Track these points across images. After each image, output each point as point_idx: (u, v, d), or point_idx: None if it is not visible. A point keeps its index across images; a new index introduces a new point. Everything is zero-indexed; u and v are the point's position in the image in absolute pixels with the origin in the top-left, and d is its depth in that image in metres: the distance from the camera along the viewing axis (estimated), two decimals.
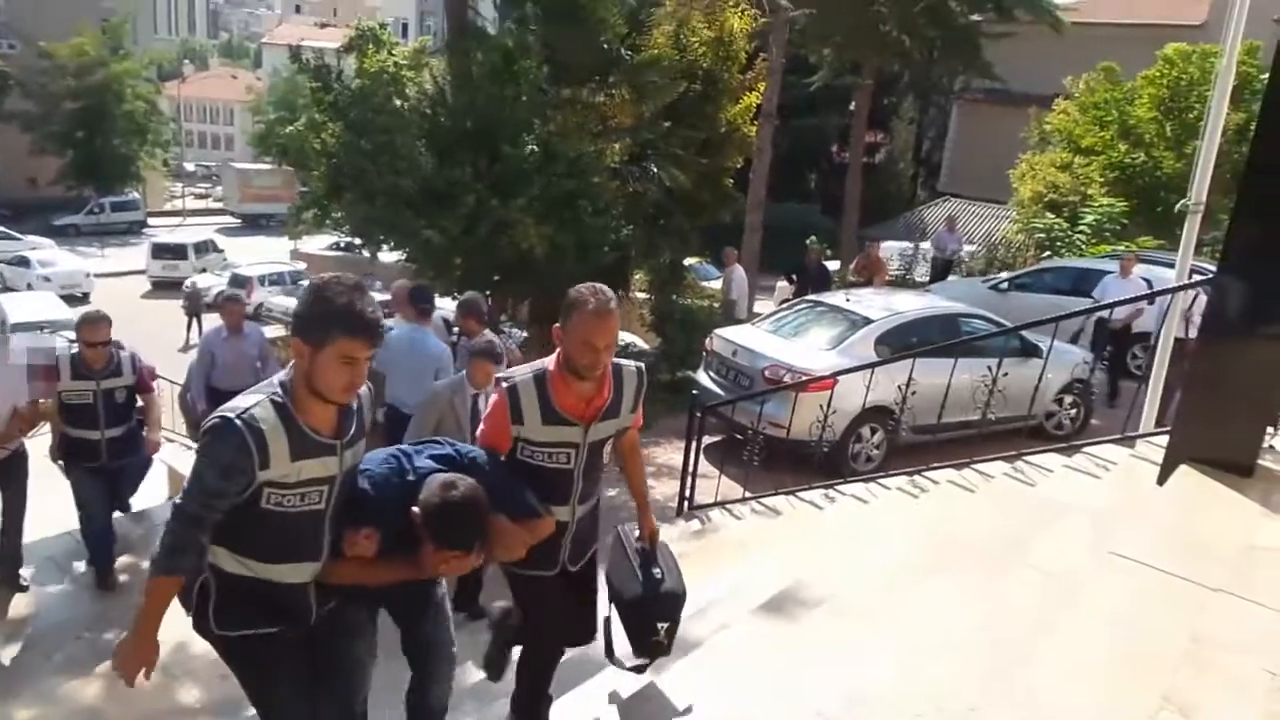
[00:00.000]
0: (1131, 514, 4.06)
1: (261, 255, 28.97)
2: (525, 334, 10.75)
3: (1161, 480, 4.04)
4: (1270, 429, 4.27)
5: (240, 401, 2.29)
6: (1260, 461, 4.03)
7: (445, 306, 8.53)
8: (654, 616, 3.18)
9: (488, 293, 9.69)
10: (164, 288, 27.62)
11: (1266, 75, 3.80)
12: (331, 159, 10.19)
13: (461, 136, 9.53)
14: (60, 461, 5.53)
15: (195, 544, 2.29)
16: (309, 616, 2.55)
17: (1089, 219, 15.77)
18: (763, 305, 15.58)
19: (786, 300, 12.17)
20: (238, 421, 2.23)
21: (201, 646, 5.19)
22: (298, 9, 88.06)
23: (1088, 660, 2.91)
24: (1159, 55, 17.90)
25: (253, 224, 41.89)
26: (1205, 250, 10.71)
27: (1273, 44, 3.68)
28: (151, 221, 40.15)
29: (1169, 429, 4.52)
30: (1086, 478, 4.99)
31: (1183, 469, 3.97)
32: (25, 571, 5.81)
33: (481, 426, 2.98)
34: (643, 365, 3.09)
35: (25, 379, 5.15)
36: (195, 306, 22.07)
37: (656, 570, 3.24)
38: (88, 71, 36.50)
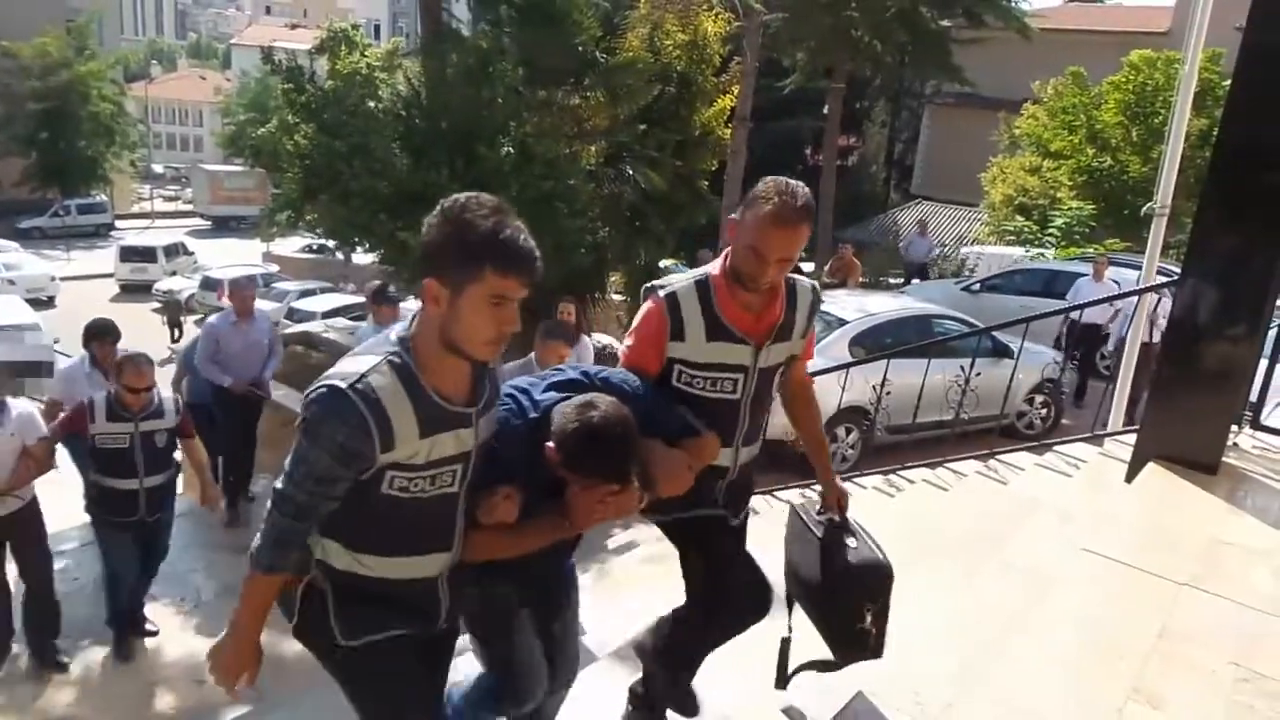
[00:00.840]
0: (1101, 511, 4.15)
1: (233, 258, 28.68)
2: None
3: (1130, 478, 4.13)
4: (1234, 428, 4.38)
5: (350, 365, 1.81)
6: (1224, 459, 4.14)
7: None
8: (857, 595, 2.53)
9: None
10: (133, 291, 27.27)
11: (1229, 82, 3.90)
12: (305, 161, 10.13)
13: (437, 138, 9.51)
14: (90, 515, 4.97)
15: (302, 538, 1.89)
16: (439, 616, 2.09)
17: (1058, 222, 16.01)
18: None
19: None
20: (350, 393, 1.75)
21: (178, 652, 5.19)
22: (268, 10, 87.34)
23: (1059, 654, 2.97)
24: (1125, 61, 18.21)
25: (223, 226, 41.45)
26: (1171, 253, 10.91)
27: (1235, 51, 3.78)
28: (119, 224, 39.61)
29: (1137, 428, 4.62)
30: (1057, 476, 5.08)
31: (1150, 467, 4.07)
32: (63, 644, 5.10)
33: (626, 345, 2.41)
34: (816, 283, 2.59)
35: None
36: (175, 316, 21.55)
37: (852, 540, 2.59)
38: (52, 72, 35.93)
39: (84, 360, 5.85)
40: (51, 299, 25.28)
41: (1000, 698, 2.80)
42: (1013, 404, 7.88)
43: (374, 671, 2.01)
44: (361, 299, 16.10)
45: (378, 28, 61.39)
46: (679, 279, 2.39)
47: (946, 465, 5.63)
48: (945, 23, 21.44)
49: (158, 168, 56.31)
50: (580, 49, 10.81)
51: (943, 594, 3.80)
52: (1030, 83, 20.04)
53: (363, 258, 14.74)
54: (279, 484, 1.84)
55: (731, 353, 2.34)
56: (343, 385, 1.75)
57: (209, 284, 23.38)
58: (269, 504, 1.86)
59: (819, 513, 2.72)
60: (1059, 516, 4.42)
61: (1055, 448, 5.51)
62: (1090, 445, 5.39)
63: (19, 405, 4.62)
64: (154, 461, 4.84)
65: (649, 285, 2.44)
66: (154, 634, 5.35)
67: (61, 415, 4.94)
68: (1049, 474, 5.14)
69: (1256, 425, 4.67)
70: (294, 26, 63.80)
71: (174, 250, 29.86)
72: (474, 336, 1.81)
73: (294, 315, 18.52)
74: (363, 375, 1.77)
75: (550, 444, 1.95)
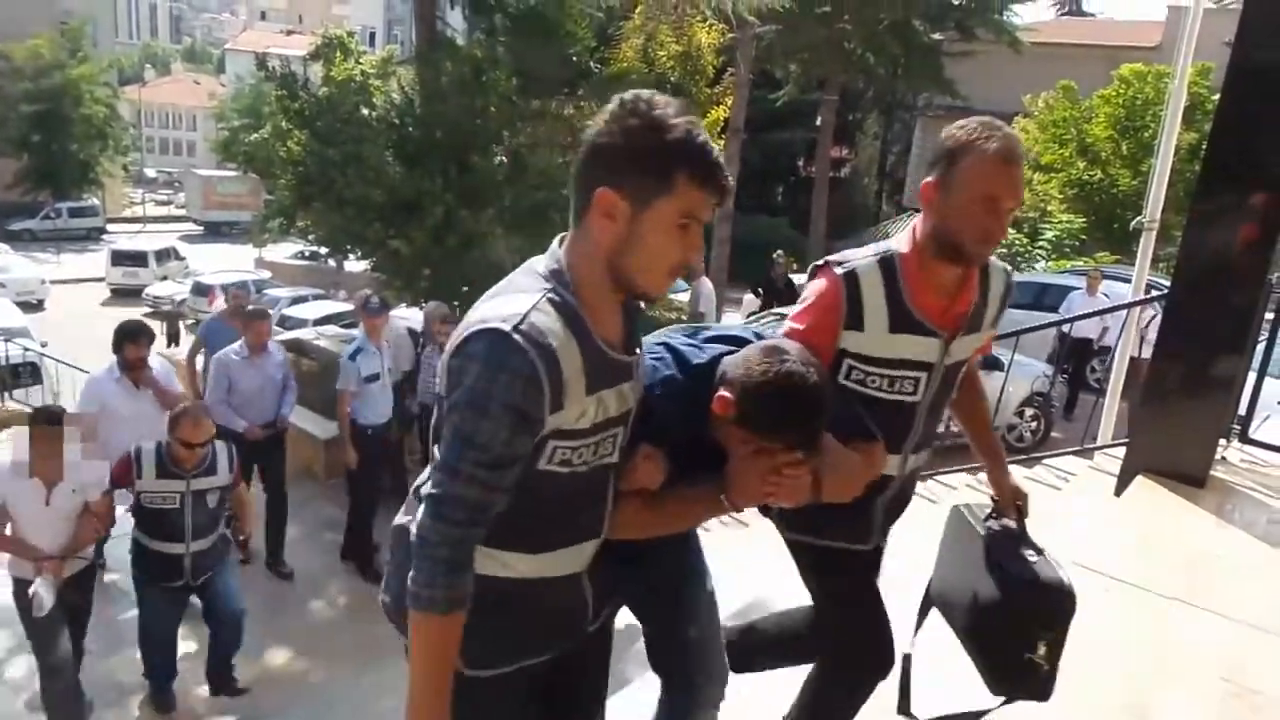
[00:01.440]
0: (1091, 524, 4.16)
1: (225, 263, 28.61)
2: None
3: (1119, 491, 4.14)
4: (1222, 441, 4.40)
5: (503, 306, 1.38)
6: (1212, 473, 4.15)
7: (413, 317, 8.49)
8: (1032, 619, 2.05)
9: (456, 304, 9.66)
10: (124, 295, 27.16)
11: (1218, 96, 3.93)
12: (298, 167, 10.12)
13: (430, 147, 9.51)
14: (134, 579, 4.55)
15: (473, 551, 1.42)
16: (586, 619, 1.68)
17: (1049, 235, 16.10)
18: (730, 318, 15.66)
19: (753, 314, 12.24)
20: (517, 336, 1.33)
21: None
22: (263, 16, 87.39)
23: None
24: (1115, 75, 18.35)
25: (215, 231, 41.33)
26: (1161, 266, 10.98)
27: (1224, 66, 3.82)
28: (111, 228, 39.47)
29: (1126, 441, 4.64)
30: (1047, 489, 5.09)
31: (1139, 480, 4.08)
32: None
33: (789, 328, 1.96)
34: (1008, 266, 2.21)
35: None
36: (174, 327, 20.34)
37: (1031, 553, 2.10)
38: (45, 74, 35.85)
39: (113, 368, 5.37)
40: (41, 302, 25.14)
41: (991, 712, 2.80)
42: (1003, 416, 7.91)
43: (490, 716, 1.59)
44: (354, 306, 16.07)
45: (373, 35, 61.43)
46: (858, 255, 1.99)
47: (935, 478, 5.63)
48: (937, 36, 21.60)
49: (150, 172, 56.12)
50: (574, 59, 10.85)
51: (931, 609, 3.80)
52: (1021, 96, 20.18)
53: (355, 265, 14.69)
54: (434, 487, 1.40)
55: (917, 346, 1.94)
56: (506, 328, 1.33)
57: (200, 289, 23.29)
58: (420, 517, 1.40)
59: (989, 516, 2.26)
60: (1049, 530, 4.42)
61: (1045, 461, 5.52)
62: (1080, 458, 5.41)
63: (83, 460, 4.20)
64: (203, 524, 4.37)
65: (820, 261, 2.04)
66: (244, 692, 4.94)
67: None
68: (1038, 487, 5.14)
69: (1244, 439, 4.69)
70: (289, 32, 63.80)
71: (165, 255, 29.76)
72: (655, 264, 1.45)
73: (286, 322, 18.47)
74: (525, 315, 1.35)
75: (725, 394, 1.58)
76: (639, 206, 1.41)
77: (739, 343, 1.75)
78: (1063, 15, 39.52)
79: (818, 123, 25.23)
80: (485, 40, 11.27)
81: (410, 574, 1.39)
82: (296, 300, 21.72)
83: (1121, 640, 3.02)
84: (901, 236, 1.99)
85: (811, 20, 19.10)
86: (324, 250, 13.79)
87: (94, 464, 4.24)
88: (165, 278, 27.65)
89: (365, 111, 10.83)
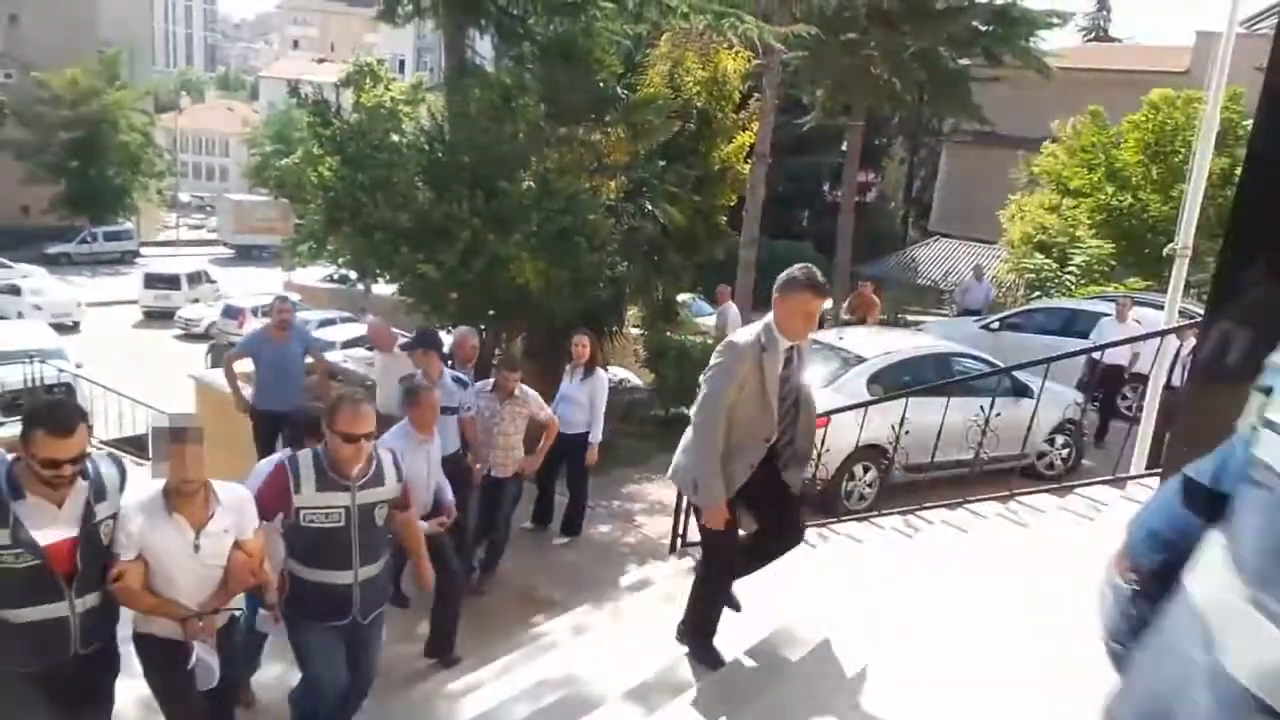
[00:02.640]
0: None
1: (255, 286, 29.01)
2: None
3: None
4: None
5: None
6: None
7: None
8: None
9: (483, 327, 9.71)
10: (156, 317, 27.59)
11: (1250, 121, 3.89)
12: (329, 192, 10.23)
13: (459, 172, 9.59)
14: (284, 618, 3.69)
15: None
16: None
17: (1078, 260, 15.96)
18: None
19: None
20: None
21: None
22: (295, 44, 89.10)
23: (1087, 703, 2.91)
24: (1144, 100, 18.23)
25: (245, 255, 41.98)
26: (1193, 292, 10.84)
27: (1255, 90, 3.78)
28: (145, 251, 40.22)
29: (1160, 471, 4.56)
30: (1079, 519, 5.01)
31: None
32: None
33: None
34: None
35: None
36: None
37: None
38: (83, 101, 36.80)
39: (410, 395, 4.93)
40: (77, 324, 25.59)
41: None
42: (1033, 444, 7.81)
43: None
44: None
45: (402, 63, 62.44)
46: None
47: (966, 506, 5.57)
48: (964, 62, 21.54)
49: (184, 196, 57.21)
50: (601, 85, 10.93)
51: (964, 641, 3.75)
52: (1049, 121, 20.09)
53: (383, 288, 14.82)
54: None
55: None
56: None
57: (230, 312, 23.61)
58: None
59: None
60: (1080, 560, 4.34)
61: (1076, 489, 5.44)
62: (1112, 488, 5.32)
63: (230, 488, 3.45)
64: (371, 546, 3.64)
65: None
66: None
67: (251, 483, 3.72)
68: (1070, 517, 5.07)
69: None
70: (321, 60, 65.04)
71: (197, 278, 30.24)
72: None
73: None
74: None
75: None
76: None
77: None
78: (1089, 41, 39.41)
79: (844, 148, 25.24)
80: (514, 67, 11.39)
81: None
82: (325, 323, 21.94)
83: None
84: None
85: (837, 47, 19.10)
86: (353, 274, 13.93)
87: (233, 491, 3.45)
88: (197, 300, 28.09)
89: (395, 137, 10.96)
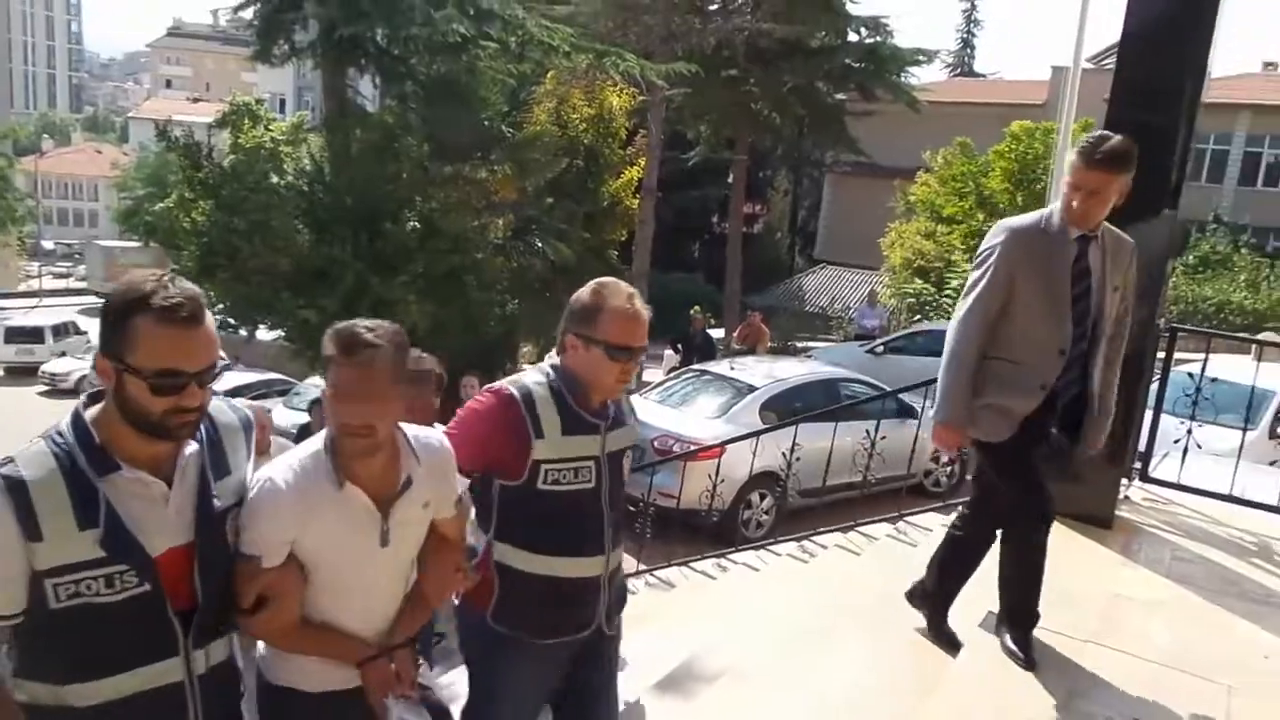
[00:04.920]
0: None
1: None
2: None
3: None
4: (1124, 481, 4.55)
5: None
6: (1117, 513, 4.28)
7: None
8: None
9: None
10: (18, 374, 25.85)
11: None
12: (203, 238, 9.87)
13: (341, 214, 9.40)
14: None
15: None
16: None
17: (954, 284, 16.70)
18: (651, 374, 15.69)
19: (674, 369, 12.34)
20: None
21: None
22: (168, 84, 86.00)
23: (971, 717, 2.98)
24: (1006, 131, 19.30)
25: None
26: None
27: (1103, 121, 4.05)
28: (3, 304, 37.74)
29: None
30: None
31: None
32: None
33: None
34: None
35: None
36: None
37: None
38: None
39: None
40: None
41: None
42: (919, 463, 8.05)
43: None
44: (263, 377, 15.60)
45: (283, 102, 60.89)
46: None
47: (858, 529, 5.68)
48: (840, 96, 22.46)
49: (48, 244, 54.12)
50: (487, 124, 10.93)
51: (859, 659, 3.79)
52: (921, 152, 21.05)
53: (265, 334, 14.31)
54: None
55: None
56: None
57: None
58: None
59: None
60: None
61: (959, 507, 5.61)
62: None
63: (428, 437, 2.05)
64: (620, 516, 2.46)
65: None
66: None
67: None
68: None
69: (1145, 477, 4.85)
70: (196, 100, 62.85)
71: (63, 330, 28.53)
72: None
73: None
74: None
75: None
76: None
77: None
78: (956, 76, 41.64)
79: (729, 180, 25.85)
80: (397, 106, 11.28)
81: None
82: None
83: (1040, 684, 3.05)
84: None
85: (719, 84, 19.65)
86: (232, 321, 13.41)
87: (431, 442, 2.04)
88: (64, 353, 26.46)
89: (274, 179, 10.68)
